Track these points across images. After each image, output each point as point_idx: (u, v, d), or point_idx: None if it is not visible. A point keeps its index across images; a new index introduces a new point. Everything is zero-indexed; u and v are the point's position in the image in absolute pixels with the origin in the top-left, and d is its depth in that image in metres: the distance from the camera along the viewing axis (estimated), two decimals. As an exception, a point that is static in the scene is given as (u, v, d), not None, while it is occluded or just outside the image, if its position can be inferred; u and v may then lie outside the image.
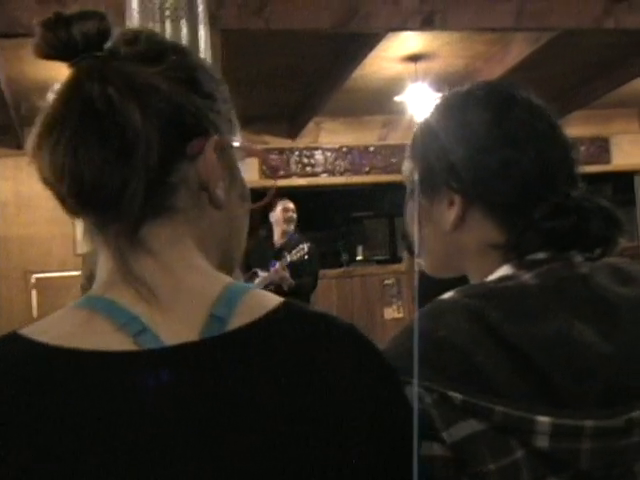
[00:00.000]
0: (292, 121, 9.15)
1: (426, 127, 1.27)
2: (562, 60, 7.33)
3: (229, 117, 1.02)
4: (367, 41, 6.23)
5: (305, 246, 7.04)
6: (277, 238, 7.45)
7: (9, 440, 0.79)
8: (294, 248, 7.07)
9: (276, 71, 7.23)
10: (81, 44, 0.91)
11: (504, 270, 1.16)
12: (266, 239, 7.65)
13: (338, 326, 0.94)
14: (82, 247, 0.97)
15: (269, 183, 8.15)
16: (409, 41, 6.65)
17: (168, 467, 0.80)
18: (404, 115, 7.83)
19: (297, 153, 9.53)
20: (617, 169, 10.43)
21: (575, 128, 9.19)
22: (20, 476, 0.78)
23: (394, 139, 9.43)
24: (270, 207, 7.41)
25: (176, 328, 0.87)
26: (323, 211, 11.71)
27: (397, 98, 7.60)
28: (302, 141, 9.43)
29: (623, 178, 10.80)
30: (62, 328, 0.87)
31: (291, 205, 7.43)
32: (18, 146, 7.49)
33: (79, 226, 0.97)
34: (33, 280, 8.41)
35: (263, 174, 8.25)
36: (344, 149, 9.68)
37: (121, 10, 2.72)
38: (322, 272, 7.62)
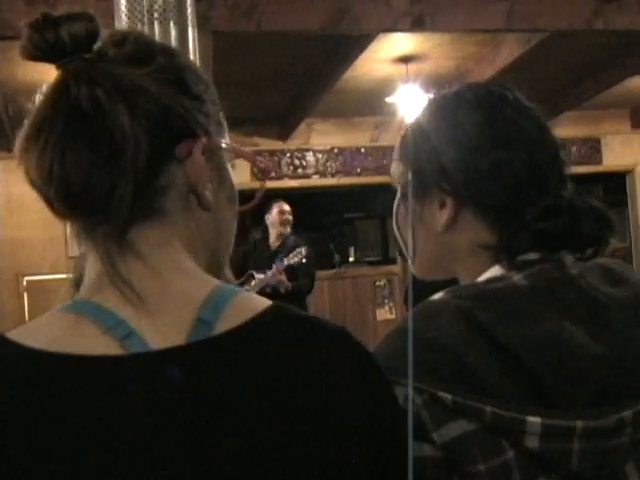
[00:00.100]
0: (283, 123, 9.14)
1: (416, 129, 1.26)
2: (553, 61, 7.33)
3: (218, 119, 1.02)
4: (358, 42, 6.22)
5: (303, 249, 7.05)
6: (273, 240, 7.45)
7: (2, 442, 0.79)
8: (290, 250, 7.08)
9: (267, 73, 7.22)
10: (69, 45, 0.91)
11: (495, 271, 1.16)
12: (262, 241, 7.65)
13: (328, 328, 0.94)
14: (74, 250, 0.97)
15: (265, 185, 8.15)
16: (400, 42, 6.64)
17: (159, 470, 0.80)
18: (395, 116, 7.82)
19: (288, 155, 9.53)
20: (608, 170, 10.44)
21: (566, 129, 9.21)
22: (19, 477, 0.77)
23: (386, 140, 9.42)
24: (264, 209, 7.41)
25: (163, 332, 0.86)
26: (315, 212, 11.72)
27: (388, 99, 7.60)
28: (293, 143, 9.43)
29: (614, 179, 10.82)
30: (49, 332, 0.87)
31: (287, 207, 7.44)
32: (8, 149, 7.45)
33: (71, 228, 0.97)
34: (25, 283, 8.39)
35: (254, 176, 8.24)
36: (335, 150, 9.67)
37: (110, 12, 2.72)
38: (314, 274, 7.63)
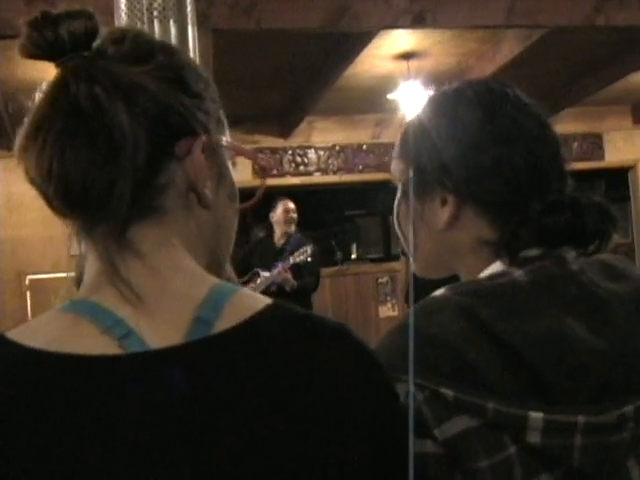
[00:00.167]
0: (284, 120, 9.14)
1: (417, 126, 1.26)
2: (554, 57, 7.33)
3: (218, 117, 1.01)
4: (358, 39, 6.22)
5: (308, 248, 7.04)
6: (278, 238, 7.45)
7: (2, 442, 0.79)
8: (295, 248, 7.08)
9: (267, 70, 7.22)
10: (68, 43, 0.91)
11: (496, 267, 1.16)
12: (267, 239, 7.65)
13: (328, 326, 0.94)
14: (75, 248, 0.96)
15: (266, 182, 8.12)
16: (401, 39, 6.64)
17: (158, 470, 0.80)
18: (397, 113, 7.82)
19: (290, 152, 9.52)
20: (610, 166, 10.43)
21: (568, 125, 9.21)
22: (19, 477, 0.77)
23: (387, 137, 9.41)
24: (266, 207, 7.41)
25: (162, 331, 0.86)
26: (316, 210, 11.71)
27: (390, 96, 7.59)
28: (295, 140, 9.42)
29: (616, 174, 10.80)
30: (48, 332, 0.87)
31: (292, 205, 7.43)
32: (9, 148, 7.45)
33: (73, 227, 0.97)
34: (27, 282, 8.39)
35: (256, 174, 8.24)
36: (337, 148, 9.67)
37: (109, 10, 2.71)
38: (317, 271, 7.62)
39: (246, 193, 1.03)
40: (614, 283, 1.13)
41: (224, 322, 0.87)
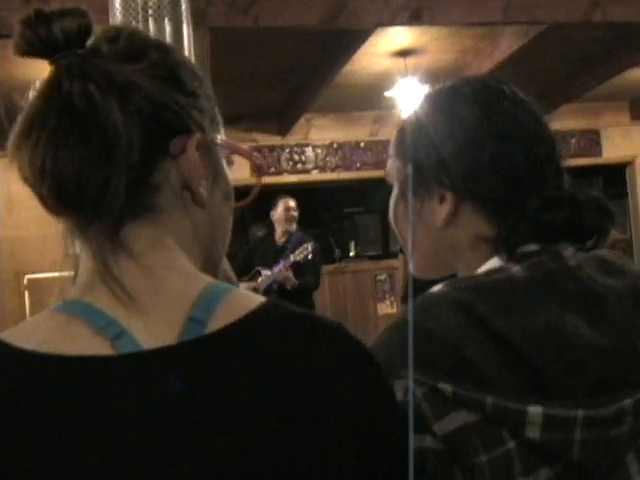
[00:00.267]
0: (282, 118, 9.13)
1: (414, 123, 1.26)
2: (551, 53, 7.33)
3: (212, 115, 1.01)
4: (356, 37, 6.22)
5: (309, 245, 7.03)
6: (279, 237, 7.44)
7: None
8: (297, 247, 7.06)
9: (265, 68, 7.21)
10: (61, 41, 0.90)
11: (493, 262, 1.16)
12: (268, 238, 7.64)
13: (324, 325, 0.93)
14: (74, 247, 0.96)
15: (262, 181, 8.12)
16: (398, 36, 6.63)
17: (151, 471, 0.79)
18: (394, 110, 7.81)
19: (288, 150, 9.52)
20: (608, 162, 10.43)
21: (566, 121, 9.21)
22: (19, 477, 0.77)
23: (385, 135, 9.40)
24: (265, 206, 7.40)
25: (154, 331, 0.86)
26: (315, 208, 11.70)
27: (387, 93, 7.59)
28: (292, 138, 9.42)
29: (614, 171, 10.80)
30: (40, 333, 0.87)
31: (292, 203, 7.42)
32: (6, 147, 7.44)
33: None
34: (25, 281, 8.38)
35: (254, 172, 8.24)
36: (335, 145, 9.67)
37: (104, 9, 2.71)
38: (315, 269, 7.62)
39: (244, 192, 1.03)
40: (611, 278, 1.13)
41: (217, 322, 0.87)
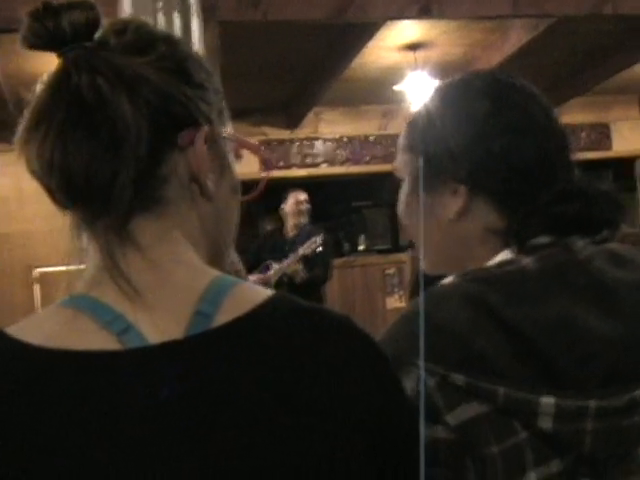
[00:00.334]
0: (291, 112, 9.12)
1: (425, 117, 1.26)
2: (561, 47, 7.30)
3: (220, 108, 1.01)
4: (365, 30, 6.21)
5: (318, 238, 7.00)
6: (289, 230, 7.41)
7: (4, 438, 0.79)
8: (307, 240, 7.04)
9: (274, 62, 7.21)
10: (69, 34, 0.90)
11: (504, 255, 1.16)
12: (278, 231, 7.63)
13: (332, 318, 0.93)
14: (83, 241, 0.96)
15: (269, 175, 8.10)
16: (407, 30, 6.62)
17: (157, 465, 0.79)
18: (404, 104, 7.80)
19: (297, 144, 9.51)
20: (618, 155, 10.40)
21: (575, 115, 9.18)
22: (26, 472, 0.78)
23: (394, 129, 9.38)
24: (276, 199, 7.39)
25: (161, 326, 0.86)
26: (324, 202, 11.68)
27: (396, 87, 7.58)
28: (302, 132, 9.41)
29: (624, 164, 10.76)
30: (47, 327, 0.87)
31: (303, 197, 7.39)
32: (18, 141, 7.42)
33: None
34: (36, 274, 8.40)
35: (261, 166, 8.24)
36: (344, 139, 9.66)
37: (113, 2, 2.70)
38: (323, 263, 7.61)
39: (253, 185, 1.03)
40: (622, 271, 1.13)
41: (224, 315, 0.87)
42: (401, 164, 1.31)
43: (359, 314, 8.97)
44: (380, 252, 11.54)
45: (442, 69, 7.25)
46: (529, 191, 1.16)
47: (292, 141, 9.47)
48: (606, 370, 1.03)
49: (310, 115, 9.03)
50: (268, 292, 0.92)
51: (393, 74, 7.57)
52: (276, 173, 8.93)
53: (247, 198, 1.06)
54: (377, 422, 0.88)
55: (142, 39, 0.94)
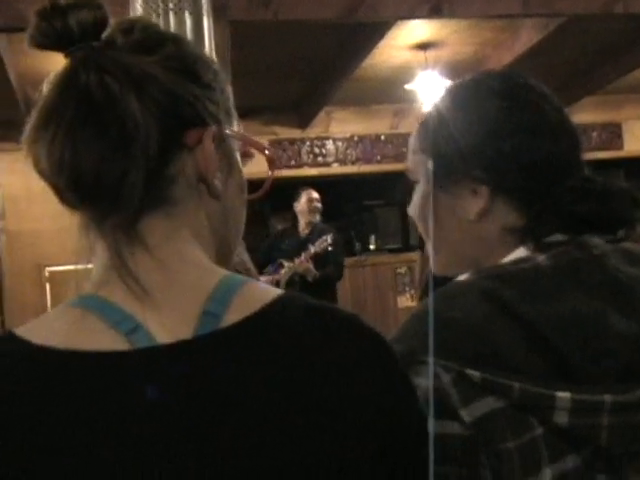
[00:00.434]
0: (302, 111, 9.13)
1: (439, 118, 1.26)
2: (571, 46, 7.29)
3: (227, 107, 1.01)
4: (376, 30, 6.21)
5: (329, 237, 7.01)
6: (302, 228, 7.44)
7: (9, 438, 0.79)
8: (319, 238, 7.05)
9: (285, 62, 7.22)
10: (77, 33, 0.90)
11: (519, 252, 1.16)
12: (291, 230, 7.64)
13: (342, 317, 0.92)
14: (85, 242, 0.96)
15: (279, 174, 8.12)
16: (418, 29, 6.62)
17: (166, 465, 0.79)
18: (415, 103, 7.80)
19: (308, 143, 9.52)
20: (629, 155, 10.38)
21: (587, 114, 9.16)
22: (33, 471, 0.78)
23: (405, 128, 9.39)
24: (289, 198, 7.41)
25: (170, 326, 0.85)
26: (335, 201, 11.69)
27: (407, 86, 7.58)
28: (313, 131, 9.42)
29: (635, 163, 10.74)
30: (56, 328, 0.87)
31: (315, 195, 7.42)
32: (28, 140, 7.44)
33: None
34: (47, 273, 8.42)
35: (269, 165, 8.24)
36: (355, 138, 9.67)
37: (124, 2, 2.71)
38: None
39: (262, 184, 1.04)
40: (635, 268, 1.13)
41: (233, 315, 0.86)
42: (413, 165, 1.30)
43: (370, 313, 8.98)
44: (391, 251, 11.53)
45: (453, 68, 7.25)
46: (545, 189, 1.16)
47: (303, 140, 9.48)
48: (621, 367, 1.03)
49: (321, 114, 9.04)
50: (277, 291, 0.91)
51: (404, 73, 7.57)
52: (287, 172, 8.95)
53: (253, 197, 1.06)
54: (387, 422, 0.87)
55: (150, 38, 0.94)
